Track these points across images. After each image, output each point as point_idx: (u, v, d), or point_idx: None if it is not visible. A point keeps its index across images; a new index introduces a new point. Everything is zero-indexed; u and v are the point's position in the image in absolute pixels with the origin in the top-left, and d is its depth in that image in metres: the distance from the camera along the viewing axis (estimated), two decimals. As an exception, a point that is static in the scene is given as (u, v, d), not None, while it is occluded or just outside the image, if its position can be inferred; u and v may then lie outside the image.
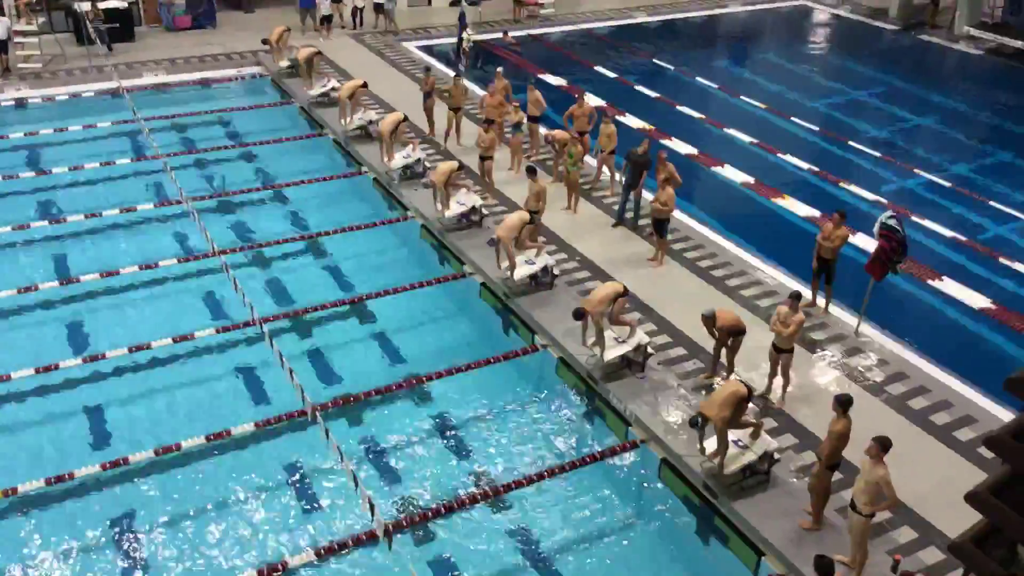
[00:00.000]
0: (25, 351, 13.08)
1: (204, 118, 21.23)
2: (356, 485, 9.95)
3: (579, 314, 11.76)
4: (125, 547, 10.14)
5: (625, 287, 12.10)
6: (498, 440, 11.77)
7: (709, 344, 12.04)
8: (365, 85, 19.60)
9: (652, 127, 21.45)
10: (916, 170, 19.82)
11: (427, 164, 17.89)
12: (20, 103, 21.73)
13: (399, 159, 17.80)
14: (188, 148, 19.76)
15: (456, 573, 9.84)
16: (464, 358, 12.84)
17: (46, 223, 16.40)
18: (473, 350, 13.32)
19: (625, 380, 11.97)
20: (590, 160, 17.93)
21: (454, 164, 15.81)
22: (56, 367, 12.47)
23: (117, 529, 10.36)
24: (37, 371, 12.36)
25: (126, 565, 9.90)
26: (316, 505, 10.75)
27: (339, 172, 18.89)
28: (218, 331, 13.42)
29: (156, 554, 10.03)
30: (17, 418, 12.02)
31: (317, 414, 10.66)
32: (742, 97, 23.96)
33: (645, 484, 11.03)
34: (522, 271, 13.93)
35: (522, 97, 18.80)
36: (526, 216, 14.06)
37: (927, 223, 17.23)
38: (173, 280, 15.08)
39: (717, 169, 19.62)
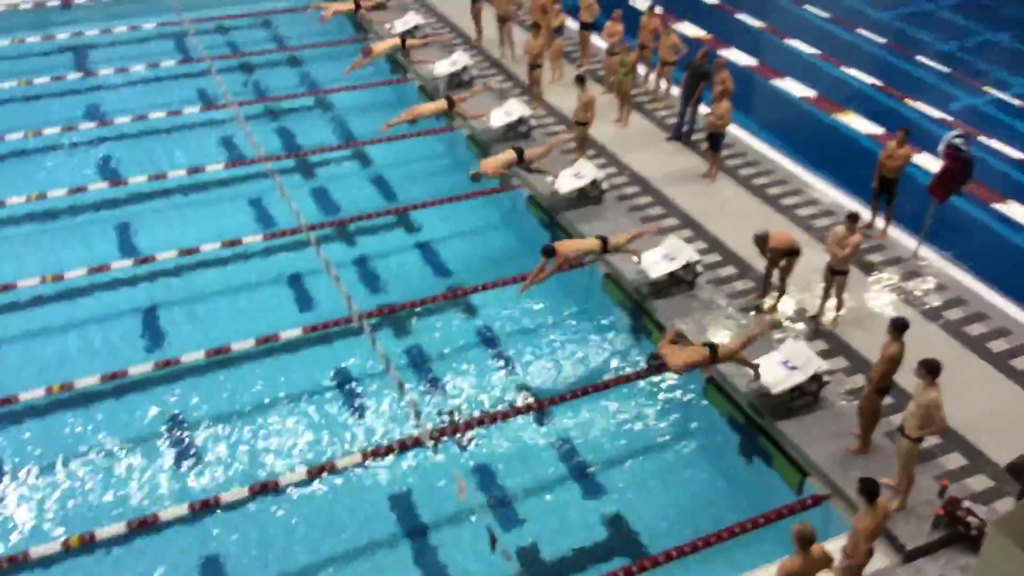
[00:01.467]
0: (75, 251, 13.29)
1: (250, 20, 20.90)
2: (402, 392, 10.09)
3: (548, 251, 11.41)
4: (176, 444, 10.42)
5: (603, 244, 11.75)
6: (542, 353, 11.75)
7: (761, 264, 11.77)
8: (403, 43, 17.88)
9: (710, 36, 20.64)
10: (985, 88, 18.89)
11: (474, 72, 17.50)
12: (66, 4, 21.51)
13: (445, 66, 17.40)
14: (234, 51, 19.51)
15: (499, 482, 9.95)
16: (509, 271, 12.74)
17: (93, 124, 16.44)
18: (519, 263, 13.19)
19: (672, 298, 11.79)
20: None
21: (512, 157, 13.71)
22: (107, 267, 12.68)
23: (168, 427, 10.63)
24: (89, 271, 12.57)
25: (176, 462, 10.18)
26: (363, 410, 10.89)
27: (386, 79, 18.55)
28: (265, 237, 13.44)
29: (207, 451, 10.29)
30: (71, 317, 12.27)
31: (364, 322, 10.71)
32: (806, 7, 22.89)
33: (689, 402, 10.98)
34: (569, 184, 13.67)
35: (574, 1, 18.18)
36: (513, 156, 13.59)
37: (994, 143, 16.50)
38: (220, 185, 15.07)
39: (776, 82, 18.89)
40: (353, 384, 11.27)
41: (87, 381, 10.75)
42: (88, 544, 8.87)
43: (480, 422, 10.38)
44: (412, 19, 19.41)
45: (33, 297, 12.44)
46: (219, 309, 12.47)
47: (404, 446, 10.06)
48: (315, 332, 11.71)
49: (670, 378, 11.12)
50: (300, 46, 19.67)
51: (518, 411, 10.57)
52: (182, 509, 9.26)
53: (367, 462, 9.92)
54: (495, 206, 14.82)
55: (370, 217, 14.06)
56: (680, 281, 11.93)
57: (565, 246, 11.61)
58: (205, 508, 9.30)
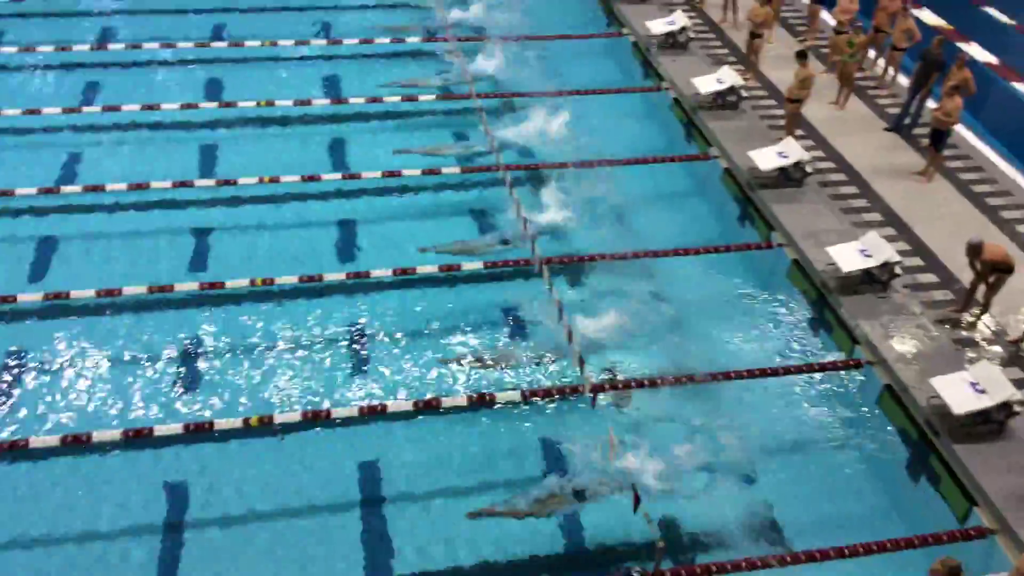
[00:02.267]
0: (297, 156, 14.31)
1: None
2: (570, 340, 10.29)
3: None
4: (355, 358, 11.14)
5: None
6: (715, 329, 11.58)
7: (967, 276, 11.03)
8: None
9: (951, 27, 19.15)
10: None
11: (691, 35, 17.14)
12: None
13: (661, 25, 17.14)
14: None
15: (648, 450, 9.99)
16: (694, 240, 12.59)
17: (323, 41, 17.38)
18: (704, 234, 13.02)
19: (862, 296, 11.29)
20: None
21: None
22: (318, 177, 13.59)
23: (350, 338, 11.37)
24: (263, 181, 13.55)
25: (355, 372, 10.90)
26: (529, 351, 11.17)
27: (599, 31, 18.49)
28: (463, 171, 13.91)
29: (380, 364, 10.94)
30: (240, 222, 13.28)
31: (544, 267, 10.97)
32: (1068, 6, 20.74)
33: (861, 407, 10.54)
34: (771, 162, 13.25)
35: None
36: None
37: None
38: (430, 115, 15.63)
39: (1017, 85, 17.34)
40: (523, 325, 11.57)
41: (133, 290, 11.33)
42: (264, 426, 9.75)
43: (640, 384, 10.44)
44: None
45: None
46: (409, 232, 13.04)
47: (563, 392, 10.31)
48: (495, 268, 12.10)
49: (845, 377, 10.72)
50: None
51: (679, 380, 10.52)
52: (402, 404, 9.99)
53: (525, 402, 10.24)
54: (689, 173, 14.61)
55: (563, 167, 14.21)
56: (874, 280, 11.39)
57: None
58: (373, 412, 9.95)
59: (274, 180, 13.33)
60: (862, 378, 10.66)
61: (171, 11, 17.99)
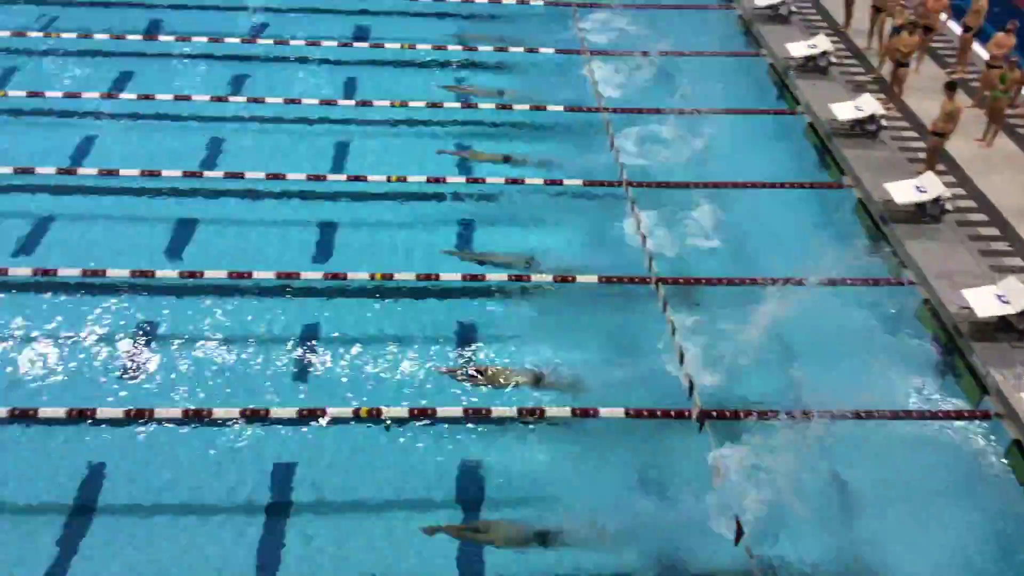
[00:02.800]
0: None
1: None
2: (681, 362, 10.13)
3: None
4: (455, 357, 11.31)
5: None
6: (834, 365, 11.16)
7: (1117, 333, 10.27)
8: None
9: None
10: None
11: (832, 60, 16.62)
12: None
13: (802, 48, 16.71)
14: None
15: (754, 479, 9.71)
16: (819, 271, 12.18)
17: (460, 48, 17.72)
18: (831, 265, 12.54)
19: (996, 344, 10.66)
20: None
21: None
22: (442, 180, 13.88)
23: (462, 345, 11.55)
24: (429, 179, 13.86)
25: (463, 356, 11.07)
26: (636, 367, 11.04)
27: (735, 50, 18.16)
28: (585, 183, 13.90)
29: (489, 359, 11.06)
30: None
31: (660, 286, 10.85)
32: None
33: (985, 460, 9.95)
34: (908, 196, 12.69)
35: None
36: None
37: None
38: (558, 123, 15.66)
39: None
40: (632, 341, 11.45)
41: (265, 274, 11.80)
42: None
43: (748, 414, 10.17)
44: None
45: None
46: (524, 239, 13.09)
47: (667, 414, 10.15)
48: (610, 283, 12.04)
49: (971, 427, 10.15)
50: (653, 5, 19.63)
51: (792, 415, 10.19)
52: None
53: (628, 418, 10.13)
54: (820, 201, 14.15)
55: (687, 186, 14.02)
56: (1010, 328, 10.75)
57: None
58: (478, 416, 10.07)
59: (401, 179, 13.68)
60: (989, 430, 10.06)
61: (318, 10, 18.69)
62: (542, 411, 10.15)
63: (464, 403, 10.27)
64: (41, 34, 16.73)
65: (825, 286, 11.80)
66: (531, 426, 10.08)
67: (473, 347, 11.24)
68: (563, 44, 17.75)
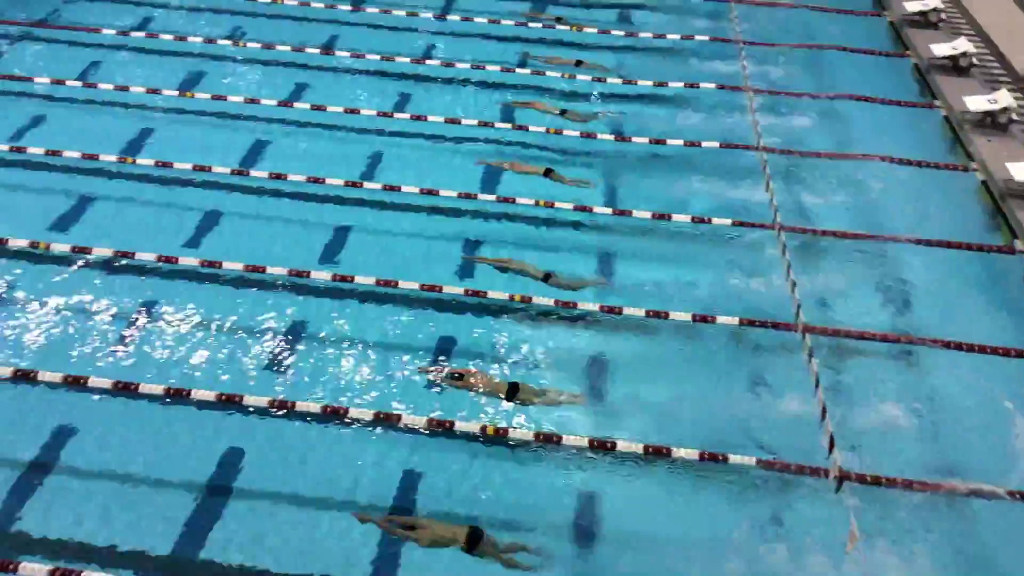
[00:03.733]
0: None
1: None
2: (823, 417, 9.72)
3: None
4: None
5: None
6: (986, 441, 10.43)
7: None
8: None
9: None
10: None
11: (1014, 116, 15.62)
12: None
13: (981, 102, 15.79)
14: (762, 39, 19.48)
15: (895, 549, 9.16)
16: (980, 338, 11.43)
17: (589, 78, 17.80)
18: (994, 333, 11.77)
19: None
20: None
21: None
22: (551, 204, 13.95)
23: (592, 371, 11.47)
24: (542, 202, 13.95)
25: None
26: (771, 417, 10.68)
27: (907, 99, 17.33)
28: (734, 223, 13.61)
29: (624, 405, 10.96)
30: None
31: (806, 335, 10.46)
32: None
33: None
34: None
35: None
36: None
37: None
38: (712, 160, 15.40)
39: None
40: (771, 389, 11.07)
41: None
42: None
43: (893, 482, 9.61)
44: (962, 45, 17.79)
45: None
46: (668, 272, 12.91)
47: (803, 470, 9.74)
48: (751, 326, 11.72)
49: None
50: (819, 45, 19.06)
51: (938, 487, 9.58)
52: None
53: (760, 467, 9.80)
54: (986, 265, 13.27)
55: (843, 236, 13.49)
56: None
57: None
58: (603, 449, 9.99)
59: (549, 204, 13.83)
60: None
61: (486, 36, 19.22)
62: (669, 450, 9.96)
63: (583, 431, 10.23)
64: (229, 42, 17.95)
65: (987, 354, 11.06)
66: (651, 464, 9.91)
67: (604, 379, 11.16)
68: (725, 80, 17.50)
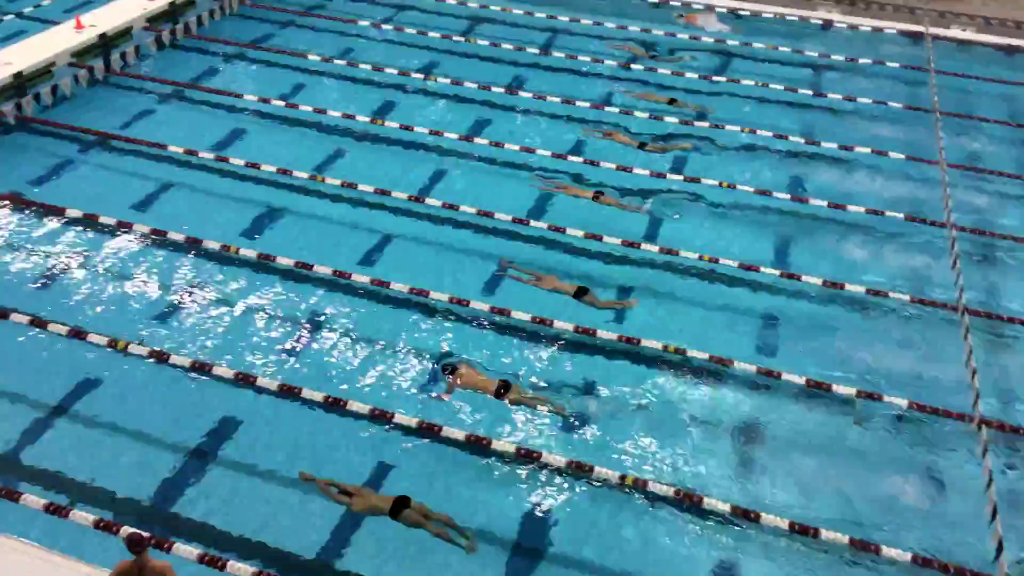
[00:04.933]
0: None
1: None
2: (993, 518, 8.99)
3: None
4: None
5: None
6: None
7: None
8: None
9: None
10: None
11: None
12: (827, 24, 22.45)
13: None
14: (966, 113, 18.40)
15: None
16: None
17: (770, 132, 17.18)
18: None
19: None
20: None
21: None
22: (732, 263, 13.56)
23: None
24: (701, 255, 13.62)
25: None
26: (934, 512, 9.93)
27: None
28: (912, 300, 12.86)
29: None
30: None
31: (982, 428, 9.71)
32: None
33: None
34: None
35: None
36: None
37: None
38: (888, 229, 14.70)
39: None
40: (937, 480, 10.31)
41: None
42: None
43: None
44: None
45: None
46: (828, 349, 12.32)
47: (962, 572, 8.99)
48: (921, 410, 11.00)
49: None
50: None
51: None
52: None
53: (916, 566, 9.13)
54: None
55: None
56: None
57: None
58: (746, 519, 9.62)
59: (836, 285, 13.14)
60: None
61: (766, 100, 18.84)
62: (815, 531, 9.44)
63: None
64: (421, 76, 18.88)
65: None
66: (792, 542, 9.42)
67: (752, 447, 10.77)
68: (915, 150, 16.66)
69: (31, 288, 12.68)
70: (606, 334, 12.07)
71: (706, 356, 11.72)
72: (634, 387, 11.45)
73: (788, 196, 15.30)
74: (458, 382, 11.29)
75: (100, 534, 8.96)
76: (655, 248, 13.84)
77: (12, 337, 11.68)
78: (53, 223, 13.92)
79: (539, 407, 10.97)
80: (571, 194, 15.18)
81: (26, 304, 12.19)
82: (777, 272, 13.41)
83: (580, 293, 12.83)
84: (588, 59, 19.93)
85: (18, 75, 16.89)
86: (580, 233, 14.03)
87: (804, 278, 13.24)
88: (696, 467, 10.37)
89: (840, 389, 11.29)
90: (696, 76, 19.38)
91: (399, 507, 9.51)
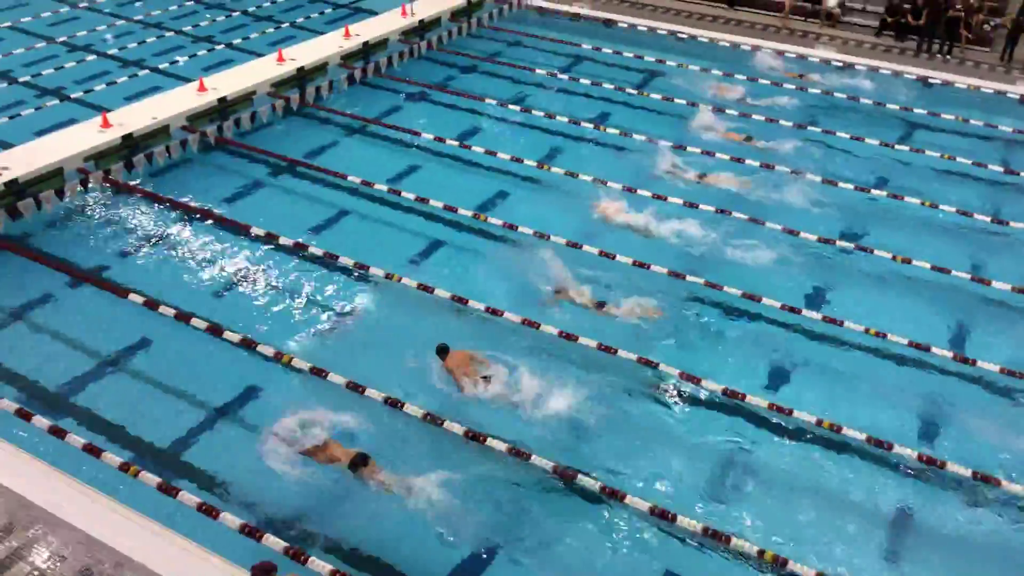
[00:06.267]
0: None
1: None
2: None
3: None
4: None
5: None
6: None
7: None
8: None
9: None
10: None
11: None
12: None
13: None
14: None
15: None
16: None
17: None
18: None
19: None
20: None
21: None
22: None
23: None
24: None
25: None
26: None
27: None
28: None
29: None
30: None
31: None
32: None
33: None
34: None
35: None
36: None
37: None
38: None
39: None
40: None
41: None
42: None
43: None
44: None
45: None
46: (1001, 443, 11.38)
47: None
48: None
49: None
50: None
51: None
52: None
53: None
54: None
55: None
56: None
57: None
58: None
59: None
60: None
61: (949, 172, 17.89)
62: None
63: None
64: (591, 125, 19.21)
65: None
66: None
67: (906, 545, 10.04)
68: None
69: (211, 295, 13.70)
70: (756, 399, 11.66)
71: (863, 437, 11.08)
72: (784, 458, 10.98)
73: (968, 275, 14.35)
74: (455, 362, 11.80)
75: (243, 538, 9.44)
76: (817, 316, 13.28)
77: (191, 340, 12.60)
78: (239, 239, 15.02)
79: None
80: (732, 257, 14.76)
81: (204, 310, 13.16)
82: (950, 354, 12.55)
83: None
84: (761, 119, 19.60)
85: (222, 100, 18.49)
86: (738, 292, 13.68)
87: (980, 363, 12.33)
88: (850, 557, 9.75)
89: (1012, 487, 10.38)
90: (876, 142, 18.62)
91: (359, 463, 10.33)
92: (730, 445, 11.21)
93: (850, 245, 15.07)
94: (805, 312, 13.34)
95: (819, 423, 11.28)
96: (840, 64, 22.71)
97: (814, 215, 16.05)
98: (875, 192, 16.80)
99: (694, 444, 11.21)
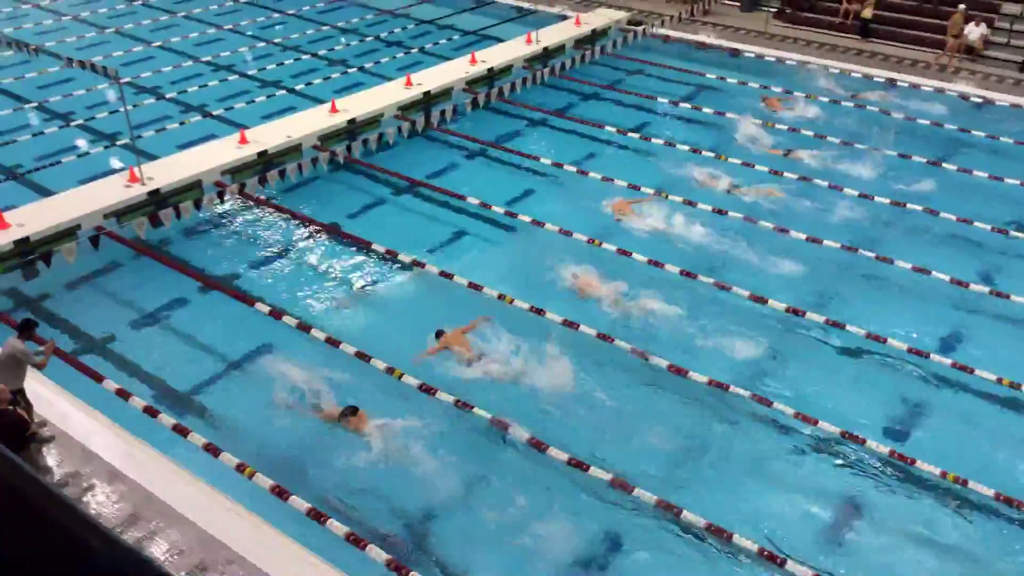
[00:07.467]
0: None
1: None
2: None
3: None
4: None
5: None
6: None
7: None
8: None
9: None
10: None
11: None
12: None
13: None
14: None
15: None
16: None
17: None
18: None
19: None
20: None
21: None
22: None
23: None
24: None
25: None
26: None
27: None
28: None
29: None
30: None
31: None
32: None
33: None
34: None
35: None
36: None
37: None
38: None
39: None
40: None
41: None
42: None
43: None
44: None
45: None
46: None
47: None
48: None
49: None
50: None
51: None
52: None
53: None
54: None
55: None
56: None
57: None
58: None
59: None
60: None
61: None
62: None
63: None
64: (712, 154, 18.93)
65: None
66: None
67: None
68: None
69: (331, 309, 14.15)
70: (878, 446, 11.15)
71: (991, 493, 10.43)
72: (902, 510, 10.46)
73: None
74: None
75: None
76: (947, 361, 12.63)
77: (309, 351, 13.01)
78: (360, 254, 15.49)
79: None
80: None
81: (320, 321, 13.65)
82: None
83: None
84: (893, 154, 18.85)
85: (351, 121, 19.19)
86: (862, 332, 13.16)
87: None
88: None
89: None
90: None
91: (348, 412, 11.41)
92: (847, 487, 10.73)
93: (985, 289, 14.29)
94: (935, 357, 12.75)
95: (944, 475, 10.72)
96: (979, 100, 21.65)
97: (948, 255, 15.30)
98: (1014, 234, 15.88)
99: (804, 480, 10.81)
